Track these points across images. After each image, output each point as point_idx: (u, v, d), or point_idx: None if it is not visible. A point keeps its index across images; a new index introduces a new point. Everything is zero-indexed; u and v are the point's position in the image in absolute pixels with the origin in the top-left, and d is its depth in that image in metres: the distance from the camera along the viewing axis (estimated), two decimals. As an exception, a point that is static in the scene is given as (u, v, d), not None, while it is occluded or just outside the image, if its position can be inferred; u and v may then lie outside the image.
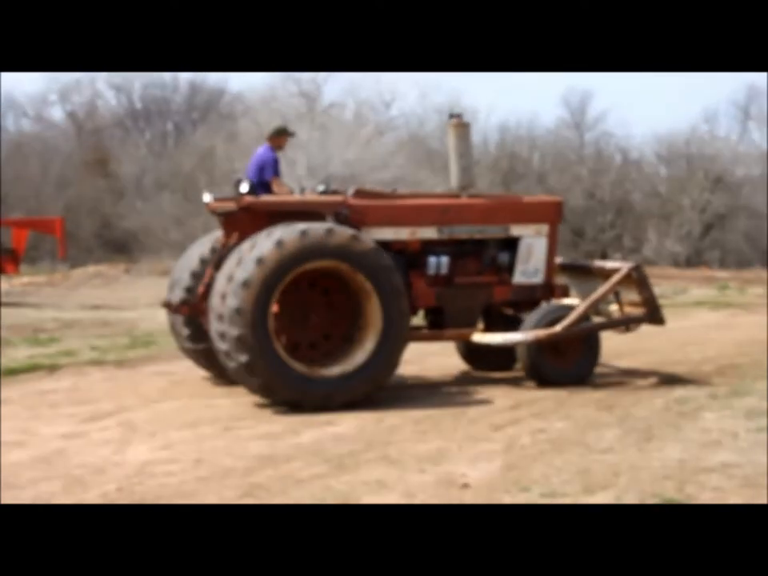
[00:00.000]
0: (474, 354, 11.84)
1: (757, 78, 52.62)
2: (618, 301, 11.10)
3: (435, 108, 54.66)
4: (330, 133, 44.37)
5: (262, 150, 11.30)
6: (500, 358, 11.48)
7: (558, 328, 10.50)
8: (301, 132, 44.50)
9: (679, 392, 10.15)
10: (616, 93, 76.89)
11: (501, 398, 9.98)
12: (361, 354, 9.78)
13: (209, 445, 8.09)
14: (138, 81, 55.37)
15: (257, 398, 9.86)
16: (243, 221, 10.28)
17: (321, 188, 11.34)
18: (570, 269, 11.92)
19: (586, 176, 47.32)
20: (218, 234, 11.14)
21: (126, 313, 19.44)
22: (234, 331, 9.32)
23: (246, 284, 9.33)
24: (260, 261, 9.38)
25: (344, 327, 10.03)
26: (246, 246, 9.74)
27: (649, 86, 77.48)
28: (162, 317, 12.78)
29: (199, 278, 10.75)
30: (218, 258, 10.39)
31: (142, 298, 22.72)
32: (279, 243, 9.46)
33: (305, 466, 7.34)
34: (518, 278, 11.07)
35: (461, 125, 11.51)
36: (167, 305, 10.85)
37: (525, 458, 7.54)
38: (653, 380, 10.99)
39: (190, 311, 10.62)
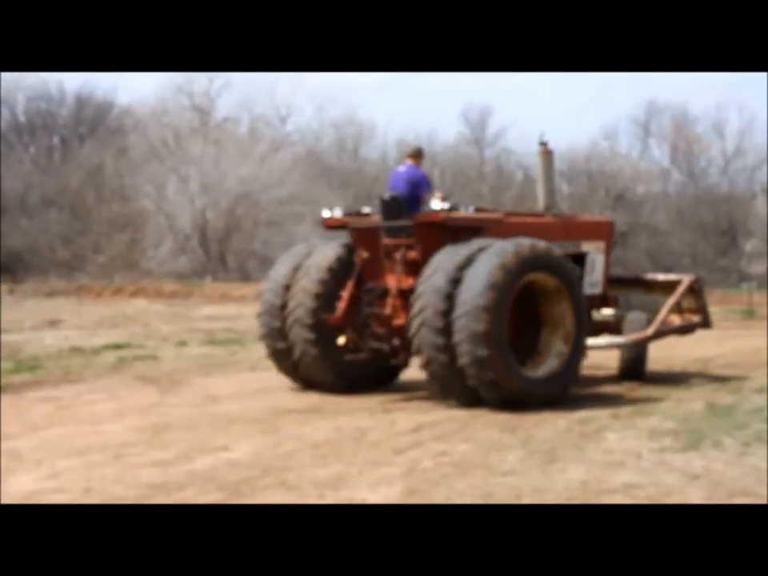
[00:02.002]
0: None
1: (656, 94, 53.69)
2: (680, 308, 12.62)
3: (332, 122, 54.73)
4: (224, 148, 44.01)
5: (406, 168, 11.83)
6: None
7: (649, 332, 12.01)
8: (193, 147, 44.14)
9: (582, 412, 10.10)
10: (516, 108, 77.96)
11: (402, 420, 9.81)
12: (556, 357, 10.86)
13: (98, 473, 7.75)
14: (22, 93, 54.29)
15: (146, 423, 9.56)
16: (422, 234, 11.16)
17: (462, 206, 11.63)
18: (618, 281, 13.31)
19: (486, 193, 47.68)
20: (301, 250, 12.29)
21: (10, 335, 18.82)
22: (479, 327, 10.07)
23: (492, 285, 10.21)
24: (502, 266, 10.32)
25: (534, 332, 10.99)
26: (455, 254, 10.61)
27: (548, 102, 78.64)
28: (48, 339, 12.40)
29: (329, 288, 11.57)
30: (359, 272, 11.59)
31: (26, 320, 22.12)
32: (516, 253, 10.46)
33: (198, 494, 7.06)
34: (586, 289, 12.08)
35: (547, 152, 12.93)
36: (328, 318, 11.39)
37: (427, 481, 7.36)
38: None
39: (338, 322, 11.38)
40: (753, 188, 52.57)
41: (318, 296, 11.51)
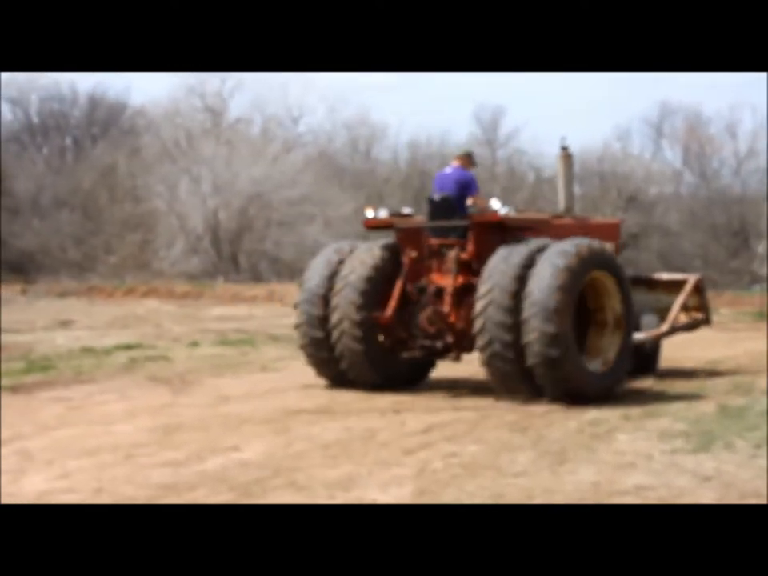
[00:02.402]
0: None
1: (669, 95, 53.46)
2: (687, 306, 13.23)
3: (344, 123, 54.69)
4: (236, 149, 44.02)
5: (454, 170, 12.28)
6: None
7: (664, 328, 12.87)
8: (206, 148, 44.15)
9: (592, 413, 10.08)
10: (528, 110, 77.75)
11: (412, 421, 9.81)
12: (611, 352, 11.37)
13: (109, 473, 7.76)
14: (35, 94, 54.38)
15: (158, 423, 9.58)
16: (477, 234, 11.63)
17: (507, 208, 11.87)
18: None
19: (498, 194, 47.53)
20: (339, 247, 12.50)
21: (22, 336, 18.86)
22: (550, 328, 10.47)
23: (560, 287, 10.58)
24: (567, 267, 10.72)
25: (584, 327, 11.36)
26: (516, 254, 11.01)
27: (560, 103, 78.45)
28: (60, 340, 12.43)
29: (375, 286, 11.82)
30: (408, 271, 11.87)
31: (39, 320, 22.16)
32: (577, 254, 10.89)
33: (210, 494, 7.06)
34: None
35: (567, 156, 13.63)
36: (378, 317, 11.68)
37: (437, 482, 7.36)
38: (565, 401, 10.88)
39: (388, 321, 11.70)
40: (765, 189, 52.42)
41: (364, 293, 11.74)
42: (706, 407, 10.37)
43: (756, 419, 9.52)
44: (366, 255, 12.04)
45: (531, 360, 10.60)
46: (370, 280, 11.80)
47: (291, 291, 33.10)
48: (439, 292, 11.70)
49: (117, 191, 46.64)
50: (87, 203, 46.67)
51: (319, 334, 11.97)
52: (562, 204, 13.62)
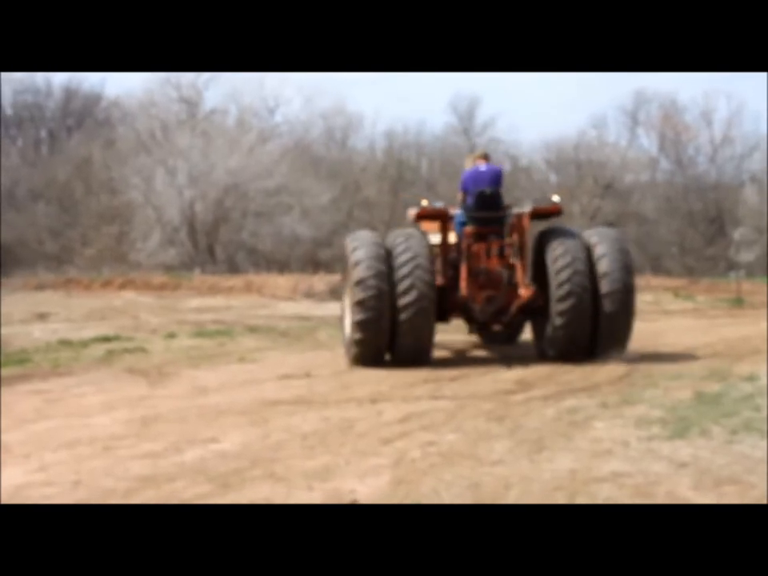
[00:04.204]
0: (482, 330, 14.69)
1: (644, 83, 53.47)
2: None
3: (320, 113, 54.65)
4: (211, 140, 43.91)
5: (488, 167, 14.11)
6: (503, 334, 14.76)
7: None
8: (181, 139, 44.01)
9: (570, 401, 10.11)
10: (503, 98, 77.83)
11: (390, 410, 9.82)
12: None
13: (87, 466, 7.73)
14: (8, 86, 54.08)
15: (135, 415, 9.58)
16: (521, 223, 13.85)
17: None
18: None
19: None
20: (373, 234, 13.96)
21: (-2, 328, 18.80)
22: (629, 279, 13.33)
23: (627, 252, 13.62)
24: (620, 238, 13.90)
25: None
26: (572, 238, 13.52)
27: (536, 92, 78.66)
28: (37, 332, 12.38)
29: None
30: (468, 254, 13.68)
31: (15, 313, 22.07)
32: (620, 240, 13.81)
33: (188, 486, 7.05)
34: None
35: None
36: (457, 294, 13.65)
37: (414, 471, 7.36)
38: (543, 390, 10.96)
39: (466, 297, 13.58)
40: (741, 176, 52.71)
41: (431, 272, 13.16)
42: (683, 394, 10.42)
43: (732, 405, 9.58)
44: (417, 241, 13.33)
45: (612, 307, 13.06)
46: (431, 261, 13.25)
47: (268, 282, 33.12)
48: (489, 272, 13.70)
49: (93, 183, 46.52)
50: (63, 195, 46.52)
51: (384, 309, 12.94)
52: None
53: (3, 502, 6.69)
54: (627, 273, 13.21)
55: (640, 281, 34.02)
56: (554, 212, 14.09)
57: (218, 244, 43.67)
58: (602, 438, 8.30)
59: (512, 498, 6.56)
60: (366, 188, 45.36)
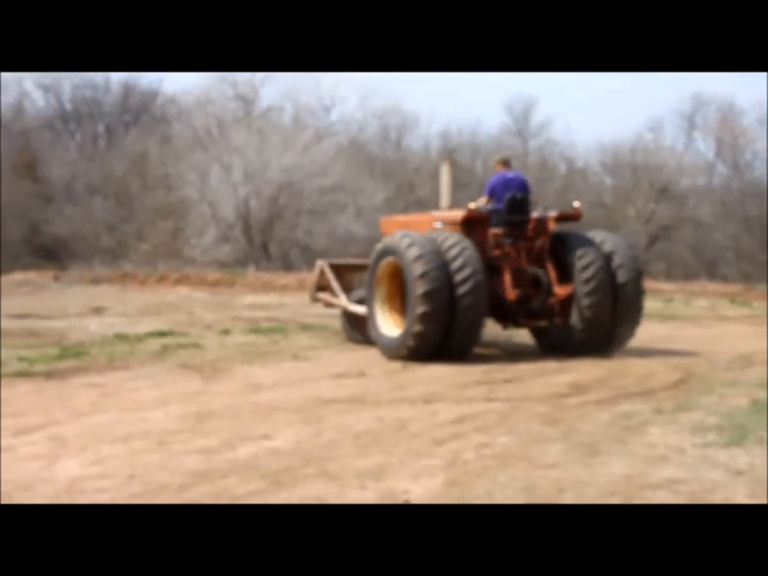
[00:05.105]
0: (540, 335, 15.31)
1: (702, 86, 52.88)
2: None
3: (376, 113, 54.68)
4: (267, 137, 44.05)
5: (516, 174, 15.20)
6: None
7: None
8: (237, 136, 44.22)
9: (624, 406, 10.04)
10: (560, 100, 77.43)
11: (443, 411, 9.80)
12: None
13: (142, 460, 7.80)
14: (68, 81, 54.67)
15: (189, 411, 9.64)
16: (545, 227, 14.84)
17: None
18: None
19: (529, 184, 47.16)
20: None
21: (55, 322, 19.00)
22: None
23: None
24: (632, 245, 15.72)
25: None
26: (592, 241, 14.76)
27: (593, 93, 78.14)
28: (93, 326, 12.49)
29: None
30: (552, 253, 14.64)
31: (72, 306, 22.30)
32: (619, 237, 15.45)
33: (241, 482, 7.08)
34: None
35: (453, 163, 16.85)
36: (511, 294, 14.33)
37: (468, 473, 7.34)
38: (597, 395, 10.88)
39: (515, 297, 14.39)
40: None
41: (483, 272, 13.73)
42: (739, 401, 10.31)
43: (789, 414, 9.46)
44: (467, 242, 13.92)
45: (629, 296, 14.45)
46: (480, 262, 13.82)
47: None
48: (524, 272, 14.51)
49: (149, 179, 46.88)
50: (120, 190, 46.93)
51: (445, 302, 13.47)
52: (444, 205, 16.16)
53: (59, 494, 6.76)
54: (636, 262, 14.65)
55: (695, 286, 33.88)
56: (575, 217, 14.98)
57: (272, 241, 43.83)
58: (656, 444, 8.24)
59: (566, 501, 6.53)
60: (421, 188, 45.31)
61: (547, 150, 53.62)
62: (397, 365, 13.33)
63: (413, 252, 13.66)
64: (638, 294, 14.67)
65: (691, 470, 7.34)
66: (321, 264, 17.18)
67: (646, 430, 8.83)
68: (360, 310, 15.63)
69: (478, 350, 14.69)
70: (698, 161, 53.64)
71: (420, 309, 13.41)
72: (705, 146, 55.82)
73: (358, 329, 16.08)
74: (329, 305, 17.10)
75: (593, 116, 77.10)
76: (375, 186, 44.51)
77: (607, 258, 14.47)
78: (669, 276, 42.27)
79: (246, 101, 51.74)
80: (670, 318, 20.60)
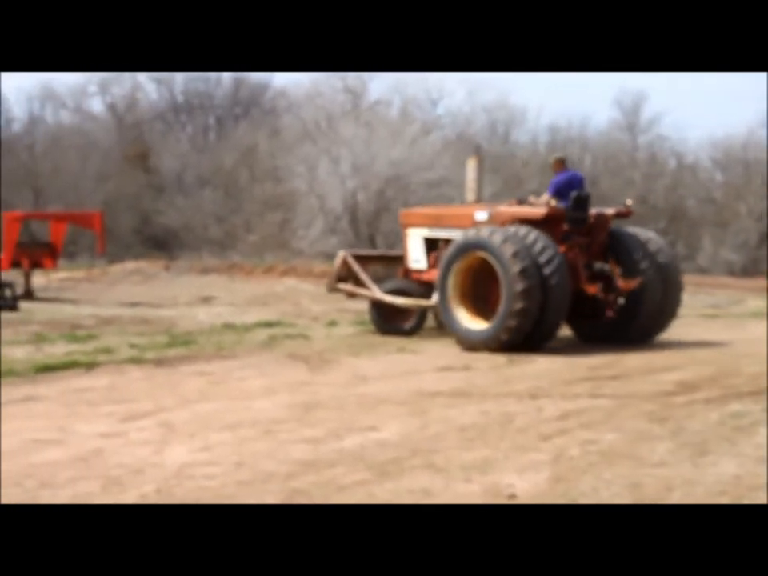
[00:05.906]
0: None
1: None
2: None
3: (483, 106, 54.46)
4: (375, 131, 44.12)
5: (575, 172, 15.81)
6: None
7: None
8: (345, 129, 44.43)
9: (734, 406, 9.85)
10: (670, 95, 76.12)
11: (549, 406, 9.75)
12: None
13: (249, 448, 7.91)
14: (180, 74, 55.43)
15: (296, 400, 9.74)
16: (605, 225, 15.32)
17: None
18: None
19: (638, 180, 46.48)
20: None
21: (165, 311, 19.36)
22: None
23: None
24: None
25: None
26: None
27: (705, 88, 76.52)
28: (201, 315, 12.69)
29: None
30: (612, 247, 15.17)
31: (181, 296, 22.68)
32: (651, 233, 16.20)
33: (348, 472, 7.14)
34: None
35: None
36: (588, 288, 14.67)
37: (573, 469, 7.30)
38: (706, 393, 10.70)
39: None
40: None
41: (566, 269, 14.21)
42: None
43: None
44: (549, 239, 14.22)
45: (675, 291, 15.32)
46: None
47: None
48: (591, 266, 14.93)
49: (257, 171, 47.31)
50: (229, 182, 47.48)
51: (538, 300, 13.91)
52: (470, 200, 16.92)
53: (168, 479, 6.86)
54: (676, 260, 15.90)
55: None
56: (628, 214, 15.61)
57: (379, 234, 43.92)
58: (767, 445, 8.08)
59: (674, 500, 6.45)
60: (528, 182, 44.98)
61: (657, 146, 52.65)
62: (502, 359, 13.29)
63: (508, 249, 13.94)
64: (678, 290, 15.43)
65: (803, 472, 7.19)
66: (343, 254, 17.11)
67: (757, 431, 8.65)
68: (396, 300, 15.83)
69: (583, 345, 14.60)
70: (813, 157, 52.24)
71: (518, 305, 13.76)
72: (820, 142, 54.35)
73: (391, 319, 16.15)
74: (352, 295, 16.96)
75: (704, 111, 75.62)
76: (482, 180, 44.32)
77: (653, 255, 15.14)
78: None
79: (355, 94, 51.94)
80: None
